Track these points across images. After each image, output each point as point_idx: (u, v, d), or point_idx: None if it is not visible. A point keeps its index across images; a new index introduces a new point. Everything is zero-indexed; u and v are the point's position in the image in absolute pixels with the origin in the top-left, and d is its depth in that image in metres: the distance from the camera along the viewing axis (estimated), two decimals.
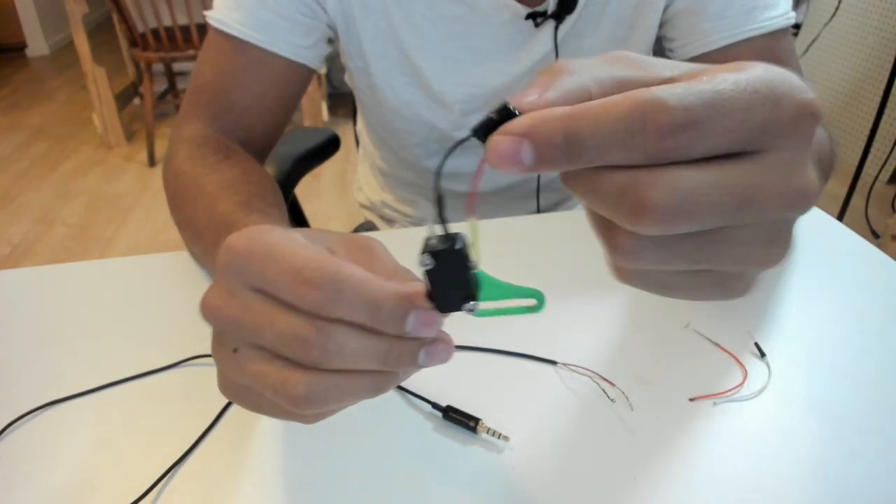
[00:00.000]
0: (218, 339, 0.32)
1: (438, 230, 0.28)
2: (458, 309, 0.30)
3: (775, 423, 0.46)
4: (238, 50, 0.67)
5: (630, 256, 0.23)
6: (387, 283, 0.29)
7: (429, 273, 0.29)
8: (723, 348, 0.52)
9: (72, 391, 0.49)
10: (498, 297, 0.30)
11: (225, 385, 0.33)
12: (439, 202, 0.27)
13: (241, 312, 0.30)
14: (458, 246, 0.28)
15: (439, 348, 0.30)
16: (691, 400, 0.48)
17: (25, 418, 0.48)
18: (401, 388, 0.48)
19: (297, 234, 0.32)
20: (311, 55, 0.70)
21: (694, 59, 0.70)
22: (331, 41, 0.73)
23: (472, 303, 0.29)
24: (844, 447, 0.44)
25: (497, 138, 0.22)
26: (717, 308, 0.56)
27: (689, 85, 0.21)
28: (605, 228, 0.23)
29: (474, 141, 0.25)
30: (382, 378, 0.31)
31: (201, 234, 0.55)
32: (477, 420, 0.45)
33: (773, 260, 0.24)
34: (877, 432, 0.45)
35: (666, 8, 0.70)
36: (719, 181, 0.21)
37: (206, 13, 0.68)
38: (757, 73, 0.22)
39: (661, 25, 0.72)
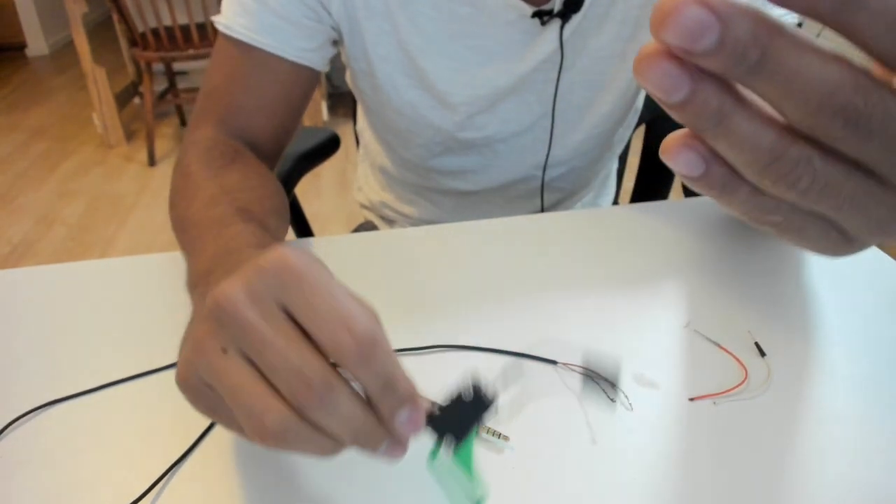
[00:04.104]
0: (213, 332, 0.31)
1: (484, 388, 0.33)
2: (442, 432, 0.33)
3: (775, 423, 0.46)
4: (245, 54, 0.68)
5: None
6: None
7: (456, 396, 0.33)
8: (723, 348, 0.52)
9: (72, 391, 0.49)
10: (462, 464, 0.34)
11: (187, 376, 0.32)
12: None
13: (258, 320, 0.29)
14: (489, 402, 0.33)
15: (394, 450, 0.32)
16: (691, 400, 0.48)
17: (25, 418, 0.48)
18: None
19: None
20: (316, 58, 0.70)
21: None
22: (335, 43, 0.73)
23: (452, 440, 0.33)
24: (845, 447, 0.44)
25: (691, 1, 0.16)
26: (717, 308, 0.56)
27: None
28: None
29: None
30: (339, 447, 0.32)
31: (186, 229, 0.55)
32: None
33: (825, 252, 0.23)
34: (877, 432, 0.45)
35: None
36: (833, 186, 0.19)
37: (214, 18, 0.69)
38: None
39: None
